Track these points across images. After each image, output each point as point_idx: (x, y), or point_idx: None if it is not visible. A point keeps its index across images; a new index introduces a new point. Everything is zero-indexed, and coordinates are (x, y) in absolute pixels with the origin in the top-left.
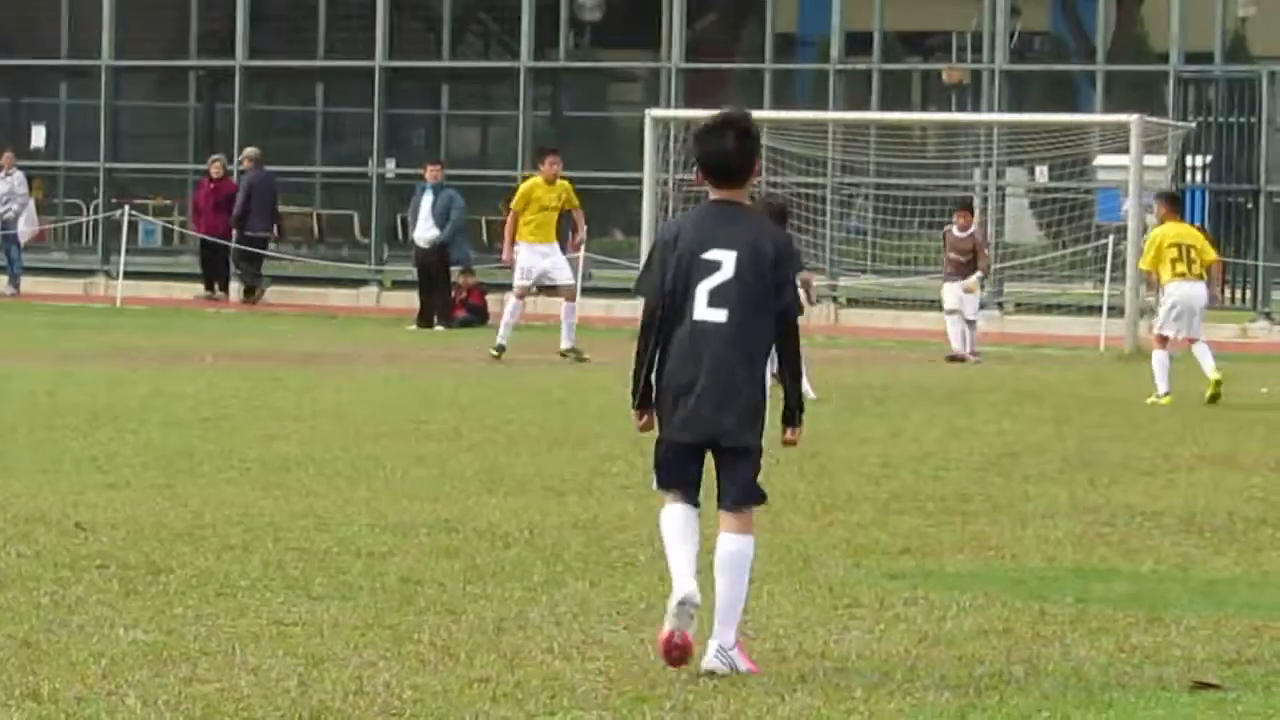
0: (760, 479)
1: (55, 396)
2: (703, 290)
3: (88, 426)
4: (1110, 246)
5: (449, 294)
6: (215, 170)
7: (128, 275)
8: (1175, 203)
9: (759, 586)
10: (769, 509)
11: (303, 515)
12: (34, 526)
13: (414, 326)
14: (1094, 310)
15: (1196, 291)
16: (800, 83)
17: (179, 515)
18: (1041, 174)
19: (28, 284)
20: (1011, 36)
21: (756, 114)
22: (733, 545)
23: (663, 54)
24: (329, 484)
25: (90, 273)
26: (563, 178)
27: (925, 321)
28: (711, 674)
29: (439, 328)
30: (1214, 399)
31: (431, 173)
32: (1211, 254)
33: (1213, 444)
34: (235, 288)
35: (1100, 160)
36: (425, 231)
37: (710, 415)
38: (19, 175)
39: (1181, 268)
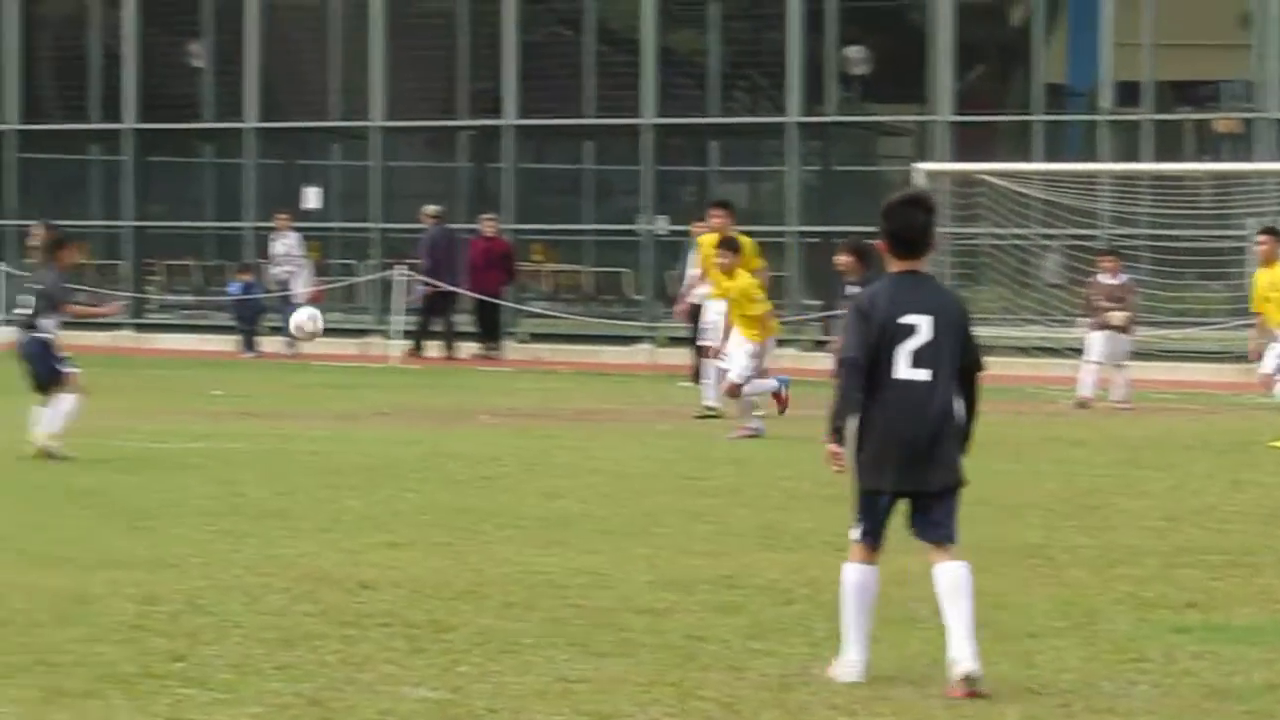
0: (1030, 530)
1: (335, 456)
2: (903, 352)
3: (368, 485)
4: None
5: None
6: (487, 229)
7: (403, 335)
8: None
9: (1043, 641)
10: (1052, 562)
11: (583, 572)
12: (319, 585)
13: (688, 383)
14: None
15: None
16: (1071, 134)
17: (460, 573)
18: None
19: (306, 345)
20: None
21: (1028, 166)
22: (960, 571)
23: (931, 107)
24: (608, 541)
25: (365, 332)
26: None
27: (1204, 373)
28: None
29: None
30: None
31: (701, 229)
32: None
33: None
34: (509, 345)
35: None
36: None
37: (921, 466)
38: (294, 237)
39: None
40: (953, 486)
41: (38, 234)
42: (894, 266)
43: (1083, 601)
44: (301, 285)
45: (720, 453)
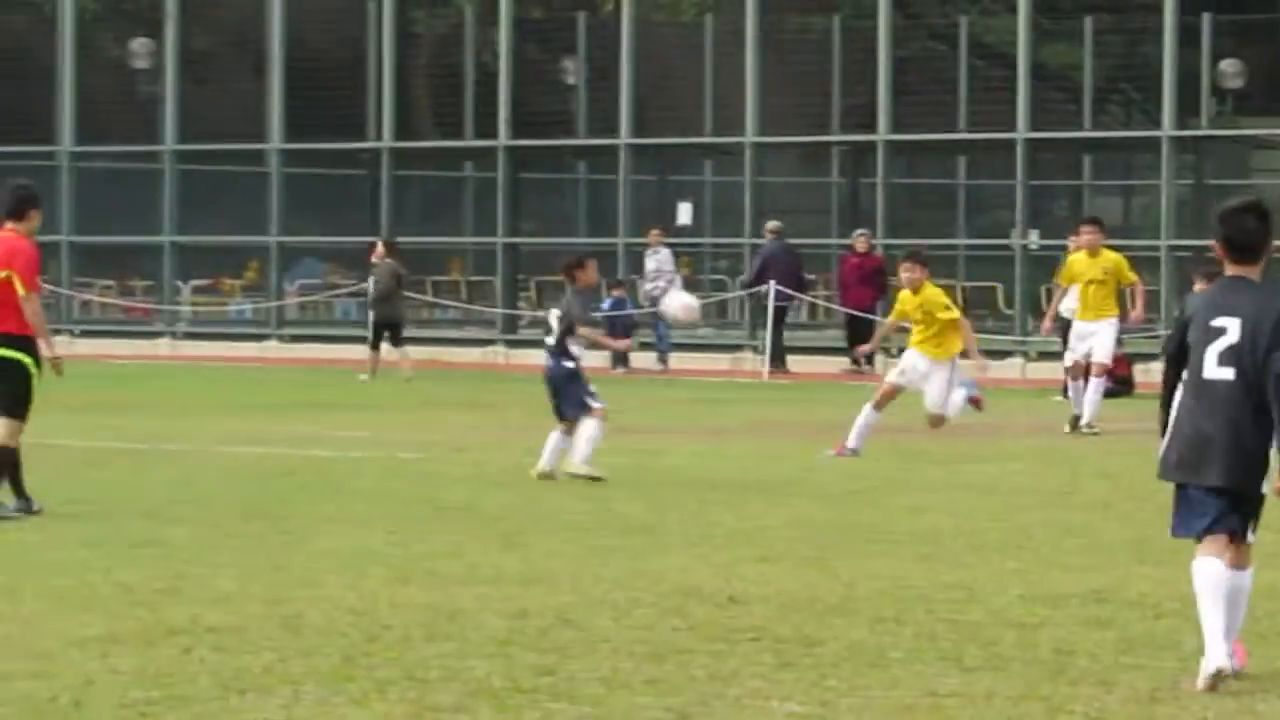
0: None
1: (705, 471)
2: (1212, 352)
3: (738, 500)
4: None
5: None
6: (860, 245)
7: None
8: None
9: None
10: None
11: (953, 587)
12: (688, 600)
13: (1060, 397)
14: None
15: None
16: None
17: (830, 588)
18: None
19: (676, 360)
20: None
21: None
22: (1239, 580)
23: None
24: (979, 555)
25: (737, 348)
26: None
27: None
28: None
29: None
30: None
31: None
32: None
33: None
34: (881, 361)
35: None
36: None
37: (1223, 463)
38: (666, 252)
39: None
40: (1253, 491)
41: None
42: (1228, 270)
43: None
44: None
45: (1092, 466)
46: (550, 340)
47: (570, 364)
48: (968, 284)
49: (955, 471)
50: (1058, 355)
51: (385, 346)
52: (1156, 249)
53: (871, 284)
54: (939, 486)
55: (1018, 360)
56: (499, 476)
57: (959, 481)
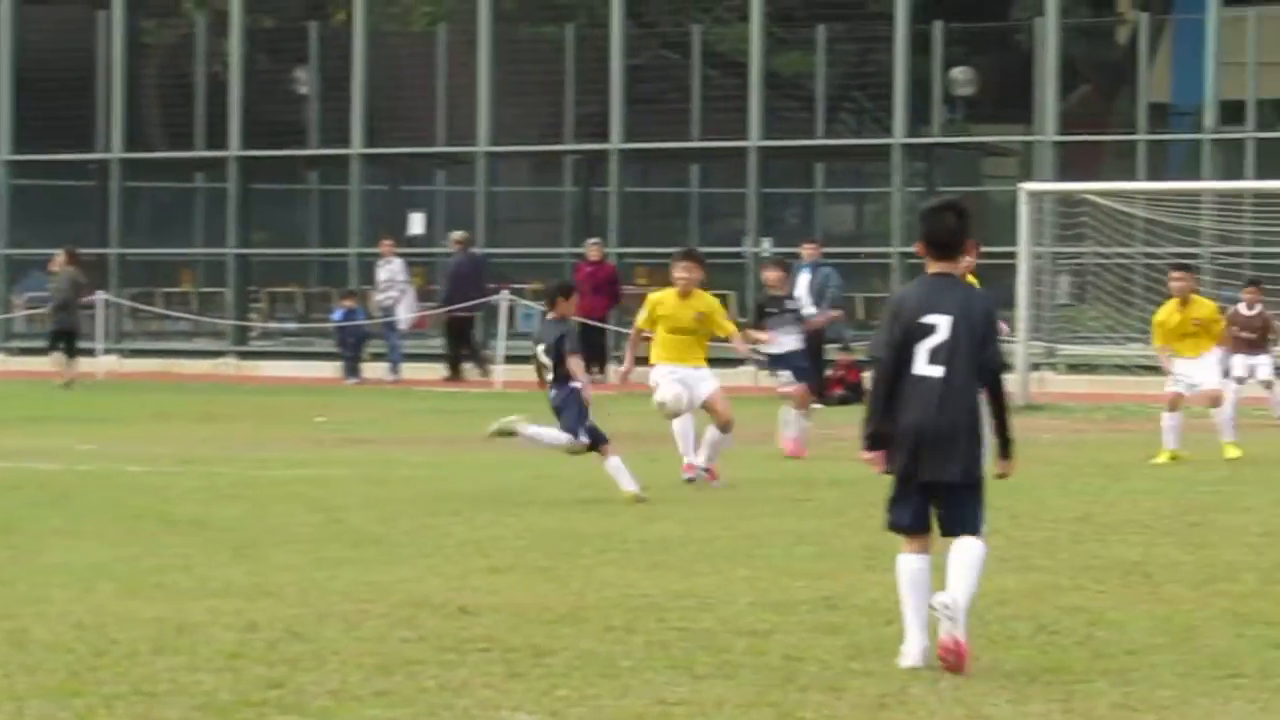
0: (1129, 548)
1: (437, 482)
2: (922, 349)
3: (470, 510)
4: None
5: (825, 372)
6: (593, 253)
7: (509, 359)
8: None
9: (1141, 658)
10: (1150, 579)
11: (684, 595)
12: (419, 611)
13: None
14: None
15: None
16: (1174, 153)
17: (561, 597)
18: None
19: (408, 370)
20: None
21: (1131, 185)
22: (973, 547)
23: (1036, 127)
24: (710, 563)
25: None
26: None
27: None
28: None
29: (816, 406)
30: None
31: (808, 251)
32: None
33: None
34: (613, 369)
35: None
36: (804, 309)
37: (938, 457)
38: (398, 263)
39: None
40: (971, 481)
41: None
42: (930, 268)
43: (1180, 618)
44: (405, 311)
45: (824, 474)
46: (549, 376)
47: (575, 385)
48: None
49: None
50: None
51: (57, 354)
52: (888, 256)
53: (605, 292)
54: (670, 494)
55: (748, 368)
56: (229, 489)
57: (690, 490)
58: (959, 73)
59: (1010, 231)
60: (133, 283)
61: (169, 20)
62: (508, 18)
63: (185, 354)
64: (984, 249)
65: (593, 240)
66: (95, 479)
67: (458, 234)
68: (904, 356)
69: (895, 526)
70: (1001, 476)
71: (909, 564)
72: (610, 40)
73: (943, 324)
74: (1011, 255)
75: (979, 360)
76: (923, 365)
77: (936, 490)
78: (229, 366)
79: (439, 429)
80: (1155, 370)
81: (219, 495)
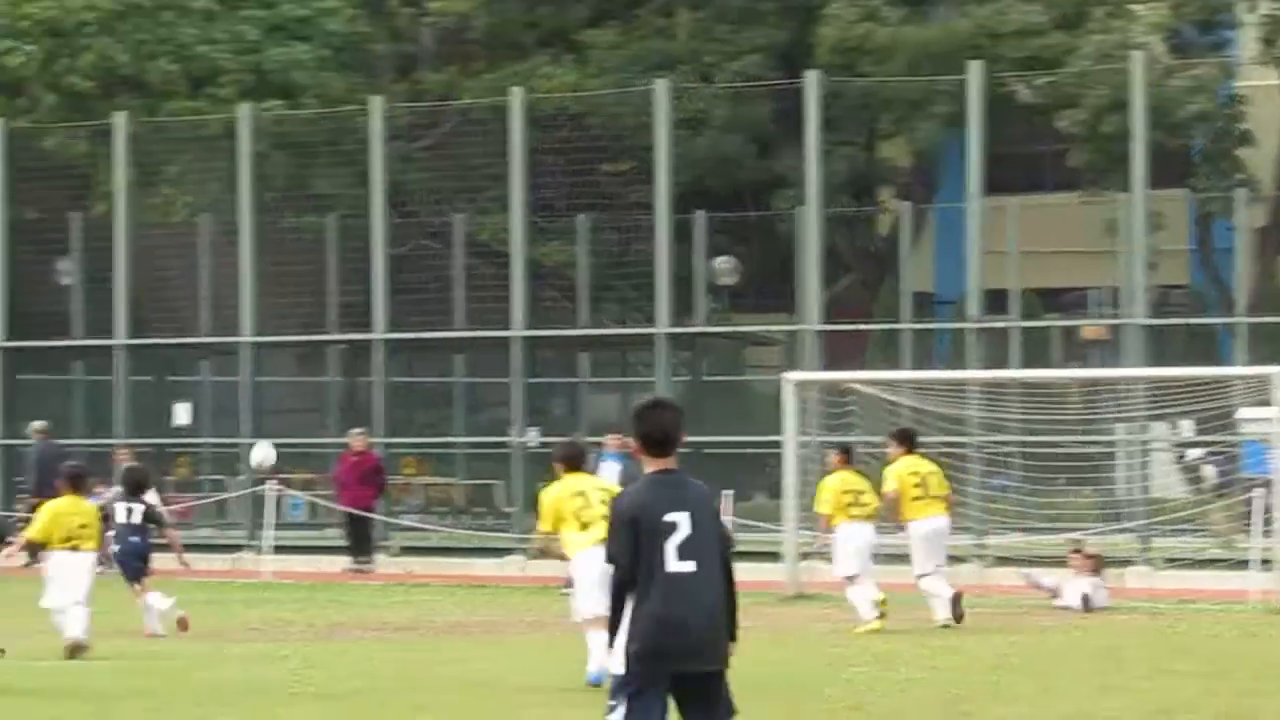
0: None
1: (205, 673)
2: (671, 546)
3: (240, 699)
4: (1260, 500)
5: None
6: (357, 444)
7: (275, 549)
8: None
9: None
10: None
11: None
12: None
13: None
14: (1243, 564)
15: None
16: (939, 341)
17: None
18: (1186, 428)
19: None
20: None
21: (897, 374)
22: None
23: (799, 316)
24: None
25: (237, 548)
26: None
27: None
28: None
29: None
30: None
31: (614, 442)
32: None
33: None
34: (382, 559)
35: (1244, 413)
36: None
37: (698, 648)
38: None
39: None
40: (721, 672)
41: None
42: (649, 466)
43: None
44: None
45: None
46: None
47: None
48: (467, 482)
49: (458, 669)
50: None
51: None
52: None
53: (370, 482)
54: (442, 686)
55: (518, 558)
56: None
57: (460, 680)
58: (721, 262)
59: (775, 420)
60: None
61: None
62: (269, 208)
63: None
64: (750, 438)
65: (357, 430)
66: None
67: (38, 424)
68: (652, 556)
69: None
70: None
71: None
72: (372, 230)
73: (683, 520)
74: (777, 444)
75: (719, 551)
76: (674, 562)
77: (691, 685)
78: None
79: (208, 620)
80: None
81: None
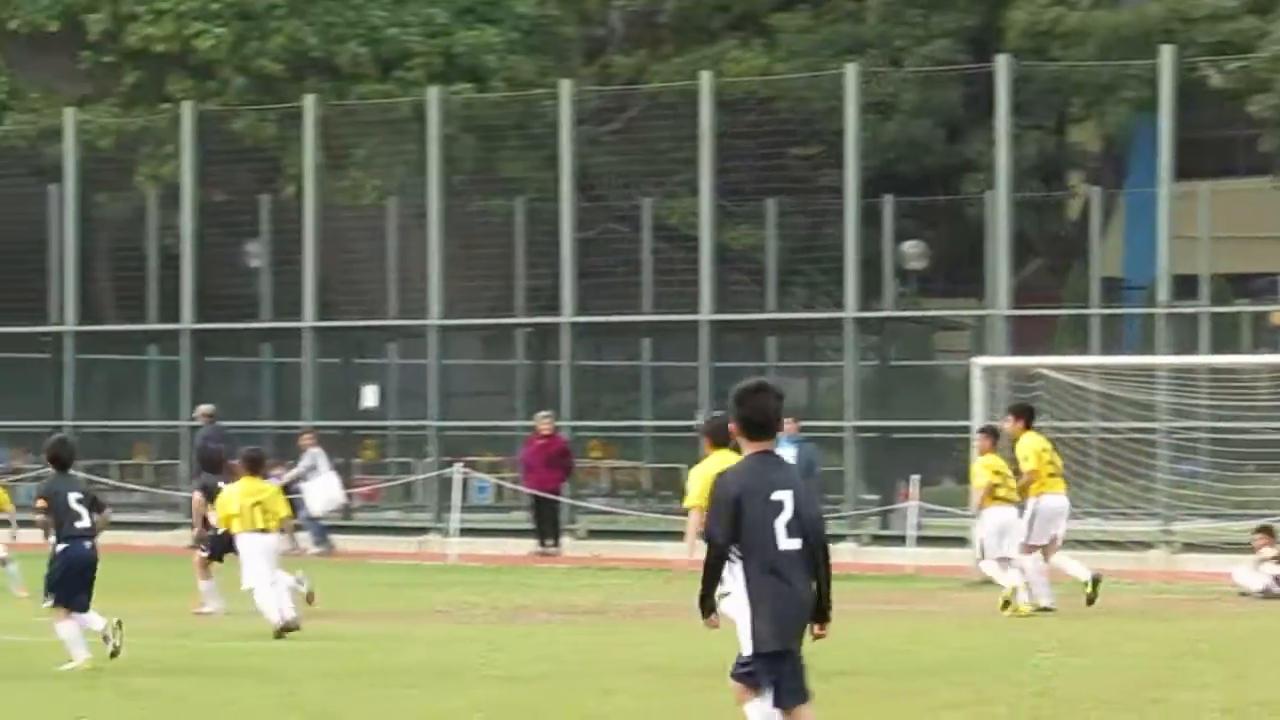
0: None
1: (392, 655)
2: (780, 525)
3: (429, 682)
4: None
5: None
6: (544, 427)
7: (461, 532)
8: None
9: None
10: None
11: None
12: None
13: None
14: None
15: None
16: (1128, 327)
17: None
18: None
19: (365, 543)
20: None
21: (1085, 360)
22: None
23: (988, 301)
24: None
25: (423, 530)
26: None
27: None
28: None
29: None
30: None
31: (790, 426)
32: None
33: None
34: (568, 542)
35: None
36: None
37: (802, 627)
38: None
39: None
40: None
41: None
42: (749, 448)
43: None
44: (316, 494)
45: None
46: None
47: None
48: (654, 465)
49: (641, 653)
50: None
51: None
52: (841, 430)
53: (556, 465)
54: (626, 669)
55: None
56: (182, 661)
57: (643, 664)
58: (910, 246)
59: (963, 405)
60: (87, 455)
61: (120, 193)
62: (457, 191)
63: (140, 526)
64: (938, 423)
65: (544, 413)
66: (55, 649)
67: (204, 407)
68: (757, 534)
69: (755, 687)
70: (819, 638)
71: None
72: (560, 214)
73: (788, 499)
74: (965, 429)
75: (815, 529)
76: (784, 540)
77: (783, 660)
78: (184, 539)
79: (394, 603)
80: (1118, 545)
81: (171, 668)
